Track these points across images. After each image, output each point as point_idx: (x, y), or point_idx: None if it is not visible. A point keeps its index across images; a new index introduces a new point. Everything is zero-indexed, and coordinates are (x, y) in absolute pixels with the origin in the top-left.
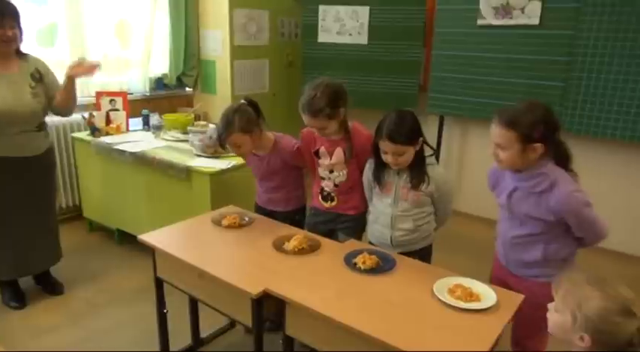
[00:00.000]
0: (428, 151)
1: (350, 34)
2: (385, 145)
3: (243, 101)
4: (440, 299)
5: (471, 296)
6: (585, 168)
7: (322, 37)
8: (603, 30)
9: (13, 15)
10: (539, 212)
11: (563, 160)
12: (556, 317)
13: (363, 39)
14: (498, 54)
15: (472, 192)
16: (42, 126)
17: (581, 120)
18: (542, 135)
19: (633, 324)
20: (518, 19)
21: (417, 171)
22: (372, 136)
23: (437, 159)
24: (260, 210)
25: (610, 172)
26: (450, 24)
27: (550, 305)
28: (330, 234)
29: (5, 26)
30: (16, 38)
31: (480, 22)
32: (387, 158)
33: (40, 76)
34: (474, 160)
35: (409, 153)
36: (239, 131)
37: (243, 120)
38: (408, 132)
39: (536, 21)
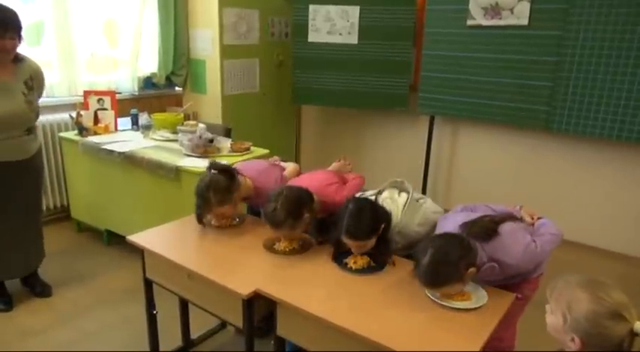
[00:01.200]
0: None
1: (340, 34)
2: (345, 240)
3: (213, 171)
4: (431, 299)
5: (462, 295)
6: (573, 167)
7: (312, 37)
8: (591, 30)
9: (15, 26)
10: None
11: (486, 236)
12: (550, 318)
13: (353, 39)
14: (488, 54)
15: (462, 191)
16: (32, 130)
17: (569, 119)
18: (468, 264)
19: (623, 328)
20: (508, 20)
21: (382, 250)
22: (341, 201)
23: (427, 159)
24: (252, 210)
25: (598, 171)
26: (440, 24)
27: (547, 306)
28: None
29: (6, 37)
30: (15, 48)
31: (469, 22)
32: (349, 244)
33: (32, 84)
34: (464, 159)
35: (372, 241)
36: (217, 205)
37: (219, 195)
38: (366, 227)
39: (525, 21)
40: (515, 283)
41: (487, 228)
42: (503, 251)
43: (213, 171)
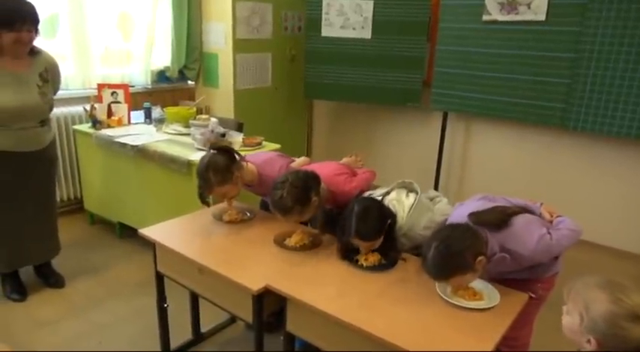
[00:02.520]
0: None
1: (354, 29)
2: (355, 241)
3: (212, 151)
4: (443, 298)
5: (474, 295)
6: (591, 167)
7: (326, 31)
8: (610, 26)
9: (32, 19)
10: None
11: (495, 226)
12: (567, 318)
13: (366, 33)
14: (503, 50)
15: (475, 189)
16: (45, 122)
17: (586, 117)
18: (475, 253)
19: None
20: (524, 15)
21: (389, 248)
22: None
23: (440, 156)
24: (264, 205)
25: (614, 170)
26: (455, 19)
27: (564, 307)
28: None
29: (22, 30)
30: (31, 41)
31: (485, 17)
32: (358, 245)
33: (47, 76)
34: (477, 157)
35: (380, 239)
36: (217, 185)
37: (219, 175)
38: (374, 228)
39: (542, 17)
40: (531, 280)
41: (497, 218)
42: (516, 241)
43: (212, 151)
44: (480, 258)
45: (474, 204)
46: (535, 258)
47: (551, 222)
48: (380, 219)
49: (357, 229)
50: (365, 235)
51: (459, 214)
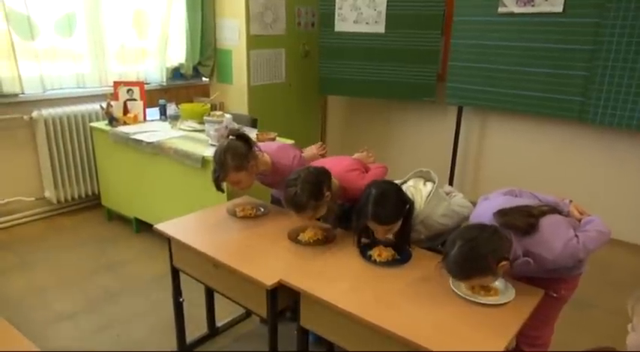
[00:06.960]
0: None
1: (367, 23)
2: (372, 225)
3: (231, 137)
4: (457, 294)
5: (488, 290)
6: (610, 161)
7: (339, 26)
8: (630, 17)
9: None
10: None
11: (524, 232)
12: (632, 337)
13: (380, 27)
14: (520, 43)
15: (490, 184)
16: None
17: (605, 110)
18: (499, 258)
19: None
20: (541, 7)
21: (402, 242)
22: (362, 187)
23: (455, 150)
24: (275, 200)
25: (634, 165)
26: (470, 12)
27: (629, 325)
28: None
29: None
30: None
31: (500, 9)
32: (376, 231)
33: None
34: (493, 151)
35: (398, 224)
36: (233, 170)
37: (236, 159)
38: (392, 211)
39: (559, 8)
40: (554, 279)
41: (526, 223)
42: (542, 245)
43: (231, 137)
44: (503, 262)
45: (499, 199)
46: (559, 261)
47: (579, 220)
48: (398, 202)
49: (373, 212)
50: (381, 218)
51: (485, 210)
